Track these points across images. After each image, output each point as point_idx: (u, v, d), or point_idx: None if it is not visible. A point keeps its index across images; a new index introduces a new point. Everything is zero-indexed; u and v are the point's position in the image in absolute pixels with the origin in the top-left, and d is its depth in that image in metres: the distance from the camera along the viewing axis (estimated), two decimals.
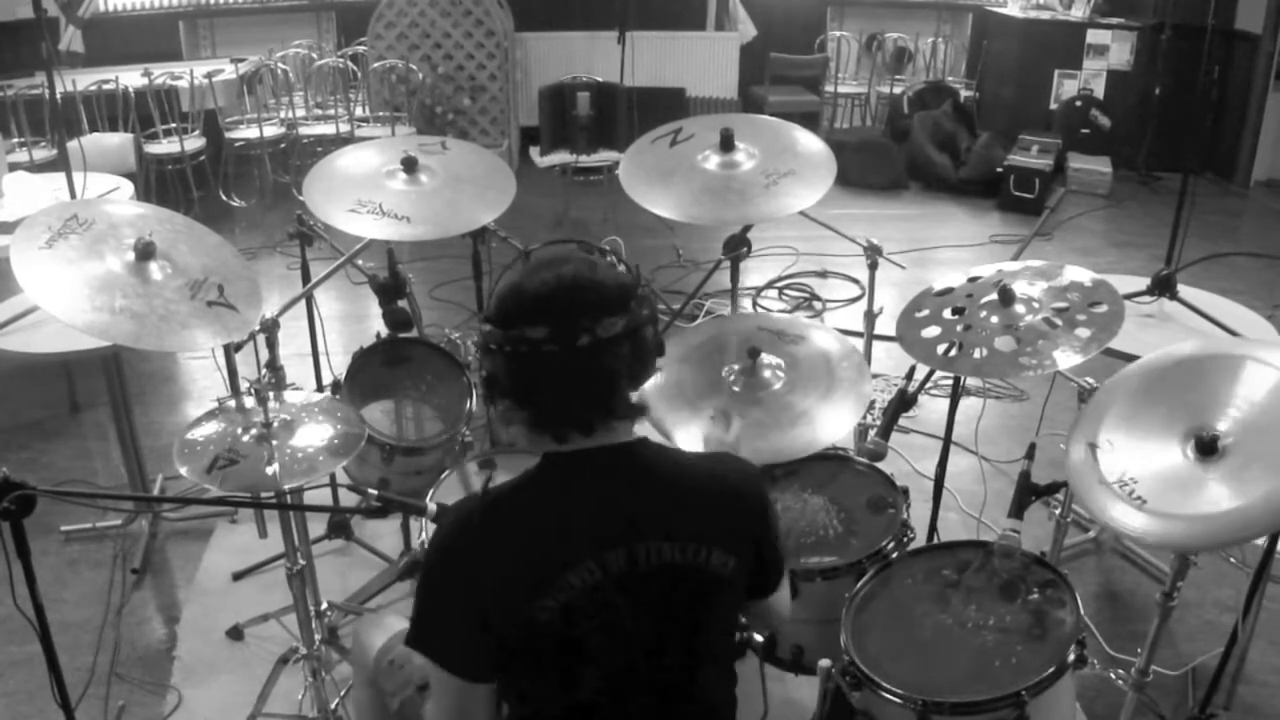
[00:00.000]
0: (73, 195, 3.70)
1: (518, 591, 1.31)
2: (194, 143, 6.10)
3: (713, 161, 2.71)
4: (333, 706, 2.36)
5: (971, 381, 3.97)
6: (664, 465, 1.43)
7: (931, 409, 3.85)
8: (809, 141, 2.80)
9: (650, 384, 1.43)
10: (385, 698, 1.80)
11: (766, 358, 2.26)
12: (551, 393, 1.35)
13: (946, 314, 2.17)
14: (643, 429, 1.46)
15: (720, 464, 1.51)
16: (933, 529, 2.54)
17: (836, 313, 4.91)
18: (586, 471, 1.38)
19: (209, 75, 6.17)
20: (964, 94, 7.66)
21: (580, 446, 1.38)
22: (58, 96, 3.81)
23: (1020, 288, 2.13)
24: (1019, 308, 2.09)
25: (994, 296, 2.12)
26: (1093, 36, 7.28)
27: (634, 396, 1.40)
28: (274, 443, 1.99)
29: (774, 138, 2.79)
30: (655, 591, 1.37)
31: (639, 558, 1.35)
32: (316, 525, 3.05)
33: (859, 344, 2.72)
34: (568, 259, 1.38)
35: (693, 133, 2.80)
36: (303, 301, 2.85)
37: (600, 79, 6.02)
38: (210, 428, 2.05)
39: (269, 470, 1.93)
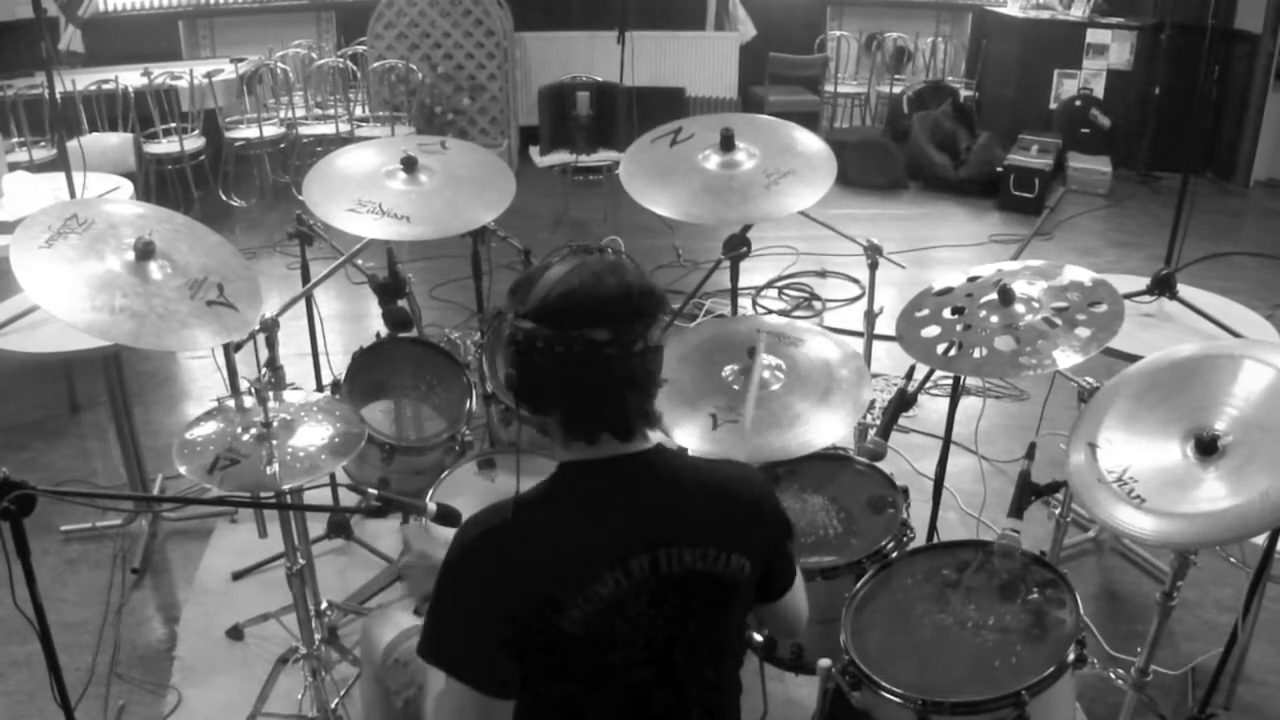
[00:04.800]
0: (72, 195, 3.70)
1: (546, 603, 1.30)
2: (194, 142, 6.10)
3: (713, 161, 2.71)
4: (333, 706, 2.36)
5: (971, 381, 3.97)
6: (680, 472, 1.43)
7: (931, 409, 3.85)
8: (809, 141, 2.80)
9: None
10: (389, 695, 1.80)
11: (766, 358, 2.26)
12: (600, 394, 1.34)
13: (946, 314, 2.17)
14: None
15: (733, 471, 1.51)
16: (932, 529, 2.54)
17: (836, 312, 4.92)
18: (607, 480, 1.38)
19: (209, 75, 6.17)
20: (964, 94, 7.66)
21: (598, 455, 1.38)
22: (57, 96, 3.81)
23: (1020, 287, 2.13)
24: (1019, 307, 2.09)
25: (994, 296, 2.12)
26: (1092, 36, 7.28)
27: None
28: (274, 442, 1.99)
29: (774, 137, 2.79)
30: (675, 598, 1.38)
31: (660, 565, 1.36)
32: (316, 525, 3.05)
33: (859, 344, 2.72)
34: (623, 266, 1.36)
35: (693, 132, 2.80)
36: (303, 301, 2.85)
37: (600, 79, 6.02)
38: (210, 428, 2.05)
39: (269, 470, 1.93)
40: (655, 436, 1.44)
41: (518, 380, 1.35)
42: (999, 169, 6.69)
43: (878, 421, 2.27)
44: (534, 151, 6.24)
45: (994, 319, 2.09)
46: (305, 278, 2.91)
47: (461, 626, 1.34)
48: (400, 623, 1.88)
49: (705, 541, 1.38)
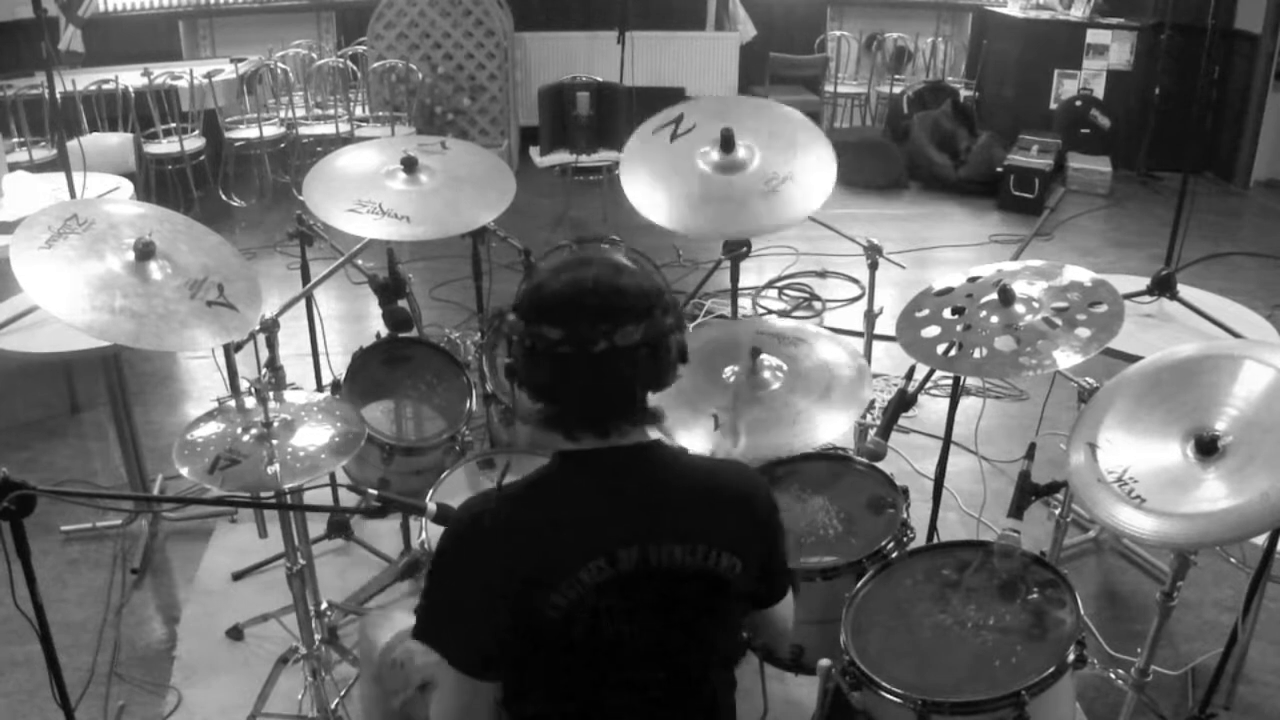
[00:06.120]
0: (72, 195, 3.70)
1: (531, 588, 1.31)
2: (194, 143, 6.10)
3: (712, 163, 2.70)
4: (333, 706, 2.36)
5: (971, 381, 3.97)
6: (676, 468, 1.43)
7: (931, 409, 3.85)
8: (810, 142, 2.78)
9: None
10: (388, 696, 1.80)
11: (767, 358, 2.26)
12: (565, 392, 1.36)
13: (946, 314, 2.17)
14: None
15: (730, 470, 1.51)
16: (932, 529, 2.54)
17: (836, 313, 4.91)
18: (601, 471, 1.39)
19: (209, 75, 6.17)
20: (964, 94, 7.66)
21: (594, 446, 1.38)
22: (58, 96, 3.81)
23: (1020, 287, 2.13)
24: (1019, 307, 2.09)
25: (994, 296, 2.12)
26: (1093, 36, 7.28)
27: (650, 400, 1.41)
28: (274, 442, 1.99)
29: (776, 133, 2.77)
30: (663, 592, 1.38)
31: (649, 558, 1.36)
32: (316, 525, 3.05)
33: (859, 344, 2.72)
34: (592, 261, 1.36)
35: (694, 123, 2.77)
36: (303, 301, 2.85)
37: (600, 79, 6.02)
38: (210, 428, 2.05)
39: (269, 470, 1.93)
40: (654, 434, 1.45)
41: (511, 369, 1.38)
42: (999, 169, 6.69)
43: (878, 422, 2.26)
44: (534, 151, 6.24)
45: (994, 319, 2.09)
46: (305, 278, 2.91)
47: (446, 606, 1.36)
48: (398, 623, 1.88)
49: (696, 538, 1.38)
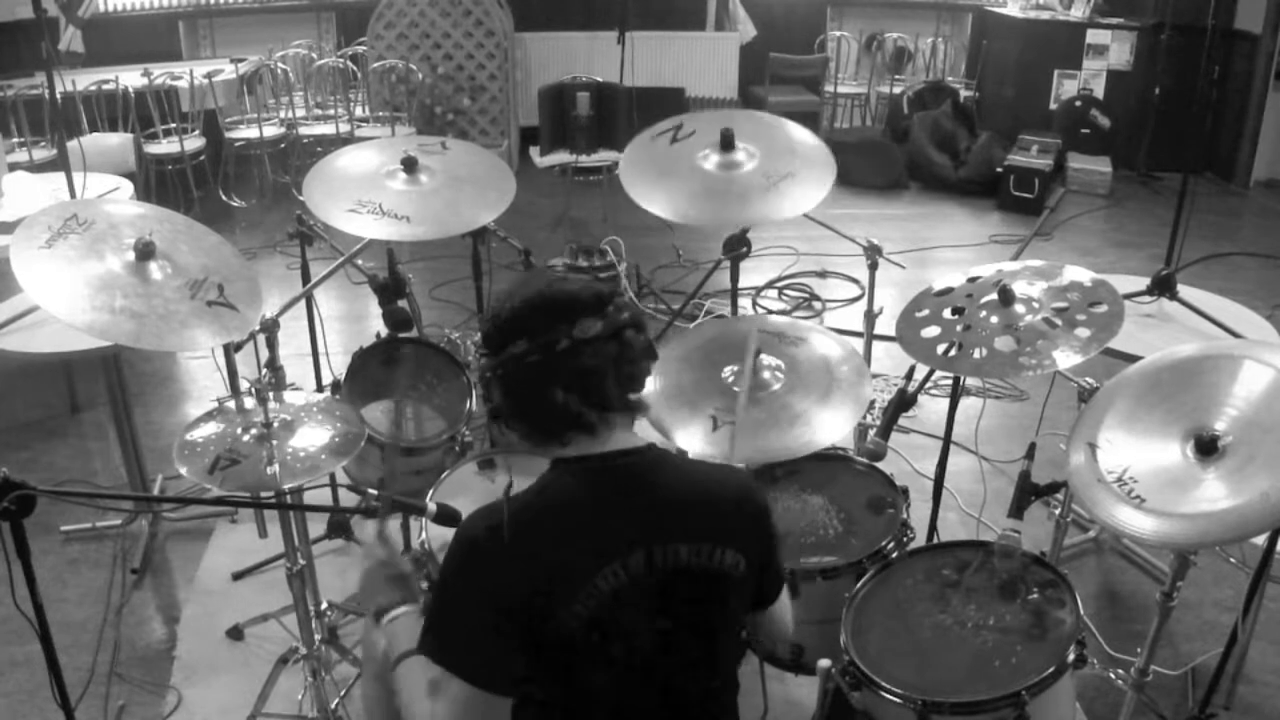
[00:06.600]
0: (72, 195, 3.70)
1: (547, 598, 1.32)
2: (194, 143, 6.10)
3: (712, 162, 2.71)
4: (333, 706, 2.36)
5: (971, 381, 3.97)
6: (673, 470, 1.45)
7: (931, 409, 3.85)
8: (807, 139, 2.78)
9: (650, 385, 1.46)
10: (390, 695, 1.80)
11: (766, 359, 2.26)
12: (544, 399, 1.38)
13: (946, 314, 2.17)
14: (642, 429, 1.48)
15: (723, 471, 1.54)
16: (932, 529, 2.54)
17: (836, 313, 4.91)
18: (600, 477, 1.40)
19: (209, 75, 6.17)
20: (964, 94, 7.66)
21: (589, 451, 1.40)
22: (58, 96, 3.81)
23: (1020, 288, 2.13)
24: (1019, 308, 2.09)
25: (994, 296, 2.12)
26: (1092, 36, 7.28)
27: (631, 397, 1.43)
28: (274, 443, 1.99)
29: (773, 137, 2.78)
30: (670, 593, 1.39)
31: (656, 560, 1.37)
32: (316, 525, 3.05)
33: (859, 344, 2.72)
34: (536, 277, 1.45)
35: (694, 129, 2.78)
36: (303, 301, 2.85)
37: (600, 79, 6.01)
38: (210, 428, 2.05)
39: (269, 470, 1.93)
40: (654, 437, 1.45)
41: (494, 412, 1.45)
42: (999, 169, 6.69)
43: (878, 422, 2.26)
44: (534, 151, 6.24)
45: (994, 319, 2.09)
46: (305, 278, 2.91)
47: (460, 625, 1.35)
48: None
49: (700, 537, 1.39)
